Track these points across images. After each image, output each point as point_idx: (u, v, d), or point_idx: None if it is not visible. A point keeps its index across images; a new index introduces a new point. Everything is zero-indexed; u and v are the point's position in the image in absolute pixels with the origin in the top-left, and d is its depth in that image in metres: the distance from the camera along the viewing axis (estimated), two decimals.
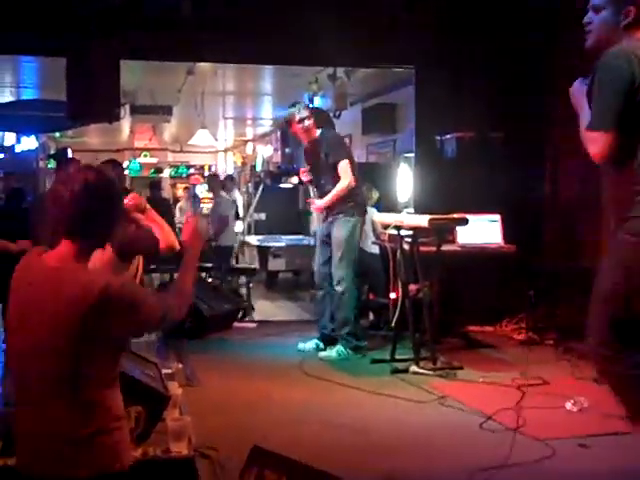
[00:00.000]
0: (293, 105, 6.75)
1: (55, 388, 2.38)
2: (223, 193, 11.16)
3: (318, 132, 6.60)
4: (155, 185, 13.92)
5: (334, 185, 6.40)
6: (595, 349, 3.35)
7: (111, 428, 2.40)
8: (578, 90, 3.18)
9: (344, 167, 6.38)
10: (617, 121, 2.95)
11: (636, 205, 3.03)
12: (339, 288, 6.36)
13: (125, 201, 3.33)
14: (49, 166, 16.64)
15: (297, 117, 6.54)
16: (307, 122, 6.52)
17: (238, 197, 13.02)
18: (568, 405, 4.66)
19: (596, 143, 2.99)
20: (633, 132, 2.98)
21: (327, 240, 6.53)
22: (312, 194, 7.05)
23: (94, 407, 2.39)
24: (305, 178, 6.89)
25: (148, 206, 3.79)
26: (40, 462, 2.39)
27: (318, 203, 6.58)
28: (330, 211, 6.48)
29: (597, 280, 3.30)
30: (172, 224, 13.67)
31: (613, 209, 3.20)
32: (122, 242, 3.76)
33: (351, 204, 6.42)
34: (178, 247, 4.24)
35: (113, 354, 2.48)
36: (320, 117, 7.19)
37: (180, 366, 5.33)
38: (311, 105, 9.74)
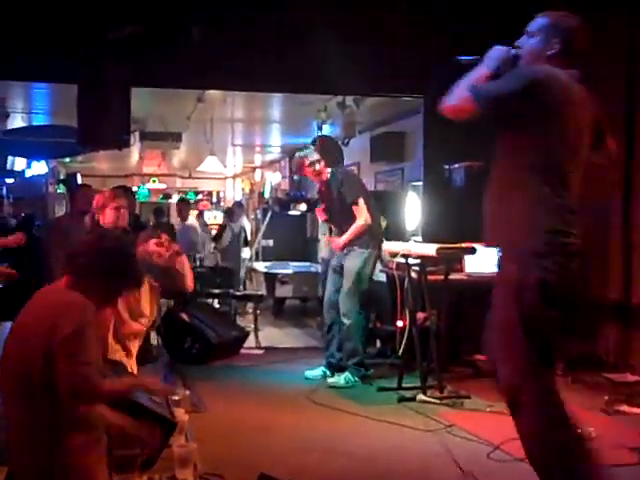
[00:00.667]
0: (302, 149, 6.81)
1: None
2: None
3: (328, 173, 6.65)
4: (159, 211, 14.02)
5: (351, 222, 6.44)
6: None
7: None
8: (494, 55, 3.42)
9: (360, 207, 6.44)
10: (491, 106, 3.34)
11: None
12: (345, 320, 6.37)
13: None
14: (58, 191, 16.73)
15: (307, 162, 6.60)
16: (317, 166, 6.59)
17: (246, 224, 13.05)
18: None
19: (463, 103, 3.37)
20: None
21: (339, 270, 6.56)
22: (328, 232, 7.08)
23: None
24: (321, 217, 6.96)
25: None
26: None
27: (338, 242, 6.57)
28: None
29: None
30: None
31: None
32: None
33: (366, 237, 6.44)
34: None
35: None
36: (329, 157, 7.23)
37: (187, 392, 5.33)
38: (321, 133, 9.82)
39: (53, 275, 5.80)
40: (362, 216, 6.43)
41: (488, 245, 3.59)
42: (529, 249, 3.14)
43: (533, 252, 3.12)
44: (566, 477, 3.08)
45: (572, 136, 3.23)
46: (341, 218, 6.61)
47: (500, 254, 3.36)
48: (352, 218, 6.45)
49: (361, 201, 6.46)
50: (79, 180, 14.99)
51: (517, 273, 3.15)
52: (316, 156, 6.65)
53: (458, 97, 3.35)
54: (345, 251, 6.51)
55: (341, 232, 6.60)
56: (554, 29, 3.35)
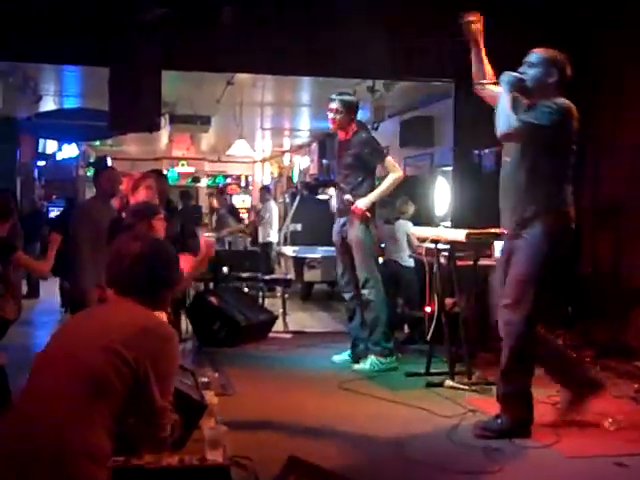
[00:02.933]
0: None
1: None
2: None
3: (353, 131, 6.54)
4: (186, 195, 14.10)
5: (352, 186, 6.38)
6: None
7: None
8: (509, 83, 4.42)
9: (390, 161, 6.46)
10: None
11: None
12: (365, 291, 6.34)
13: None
14: (88, 174, 16.86)
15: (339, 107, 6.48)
16: (346, 117, 6.46)
17: (274, 207, 13.06)
18: (606, 424, 4.61)
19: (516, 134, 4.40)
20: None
21: (342, 243, 6.52)
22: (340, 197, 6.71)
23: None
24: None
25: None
26: None
27: (360, 204, 6.35)
28: (346, 213, 6.46)
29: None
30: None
31: None
32: None
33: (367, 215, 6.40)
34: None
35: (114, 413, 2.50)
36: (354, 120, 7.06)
37: (216, 375, 5.37)
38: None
39: (80, 258, 5.86)
40: (397, 170, 6.47)
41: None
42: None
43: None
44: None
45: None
46: (345, 180, 6.51)
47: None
48: (356, 182, 6.38)
49: (389, 157, 6.46)
50: (109, 163, 15.13)
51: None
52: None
53: (508, 129, 4.38)
54: (342, 221, 6.48)
55: (342, 194, 6.50)
56: (552, 61, 4.46)
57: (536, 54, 4.50)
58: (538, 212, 4.40)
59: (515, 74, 4.42)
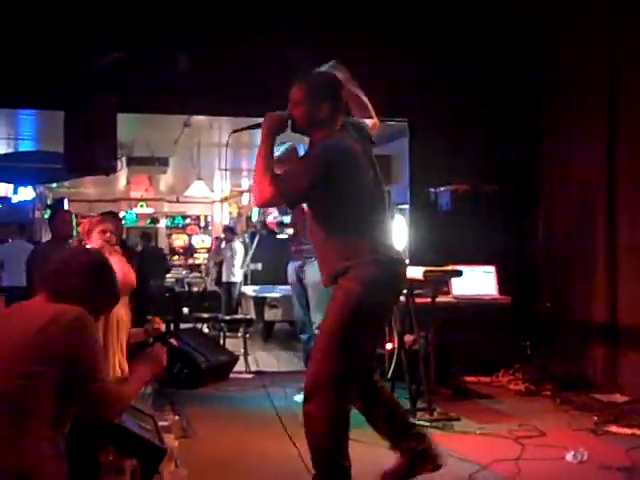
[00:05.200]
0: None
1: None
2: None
3: None
4: (146, 236, 14.04)
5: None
6: None
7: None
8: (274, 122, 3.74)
9: None
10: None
11: None
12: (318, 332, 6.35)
13: None
14: (45, 216, 16.69)
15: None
16: None
17: (238, 247, 13.03)
18: (569, 457, 4.63)
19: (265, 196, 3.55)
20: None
21: (299, 286, 6.53)
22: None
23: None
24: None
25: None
26: None
27: None
28: (302, 255, 6.47)
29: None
30: (167, 272, 13.74)
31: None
32: None
33: None
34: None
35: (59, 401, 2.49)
36: None
37: (176, 418, 5.32)
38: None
39: None
40: None
41: None
42: None
43: None
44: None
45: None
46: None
47: None
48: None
49: None
50: (66, 205, 15.02)
51: None
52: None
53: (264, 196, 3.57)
54: (300, 262, 6.49)
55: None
56: (318, 91, 3.69)
57: (298, 87, 3.85)
58: None
59: (279, 114, 3.83)
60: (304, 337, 6.62)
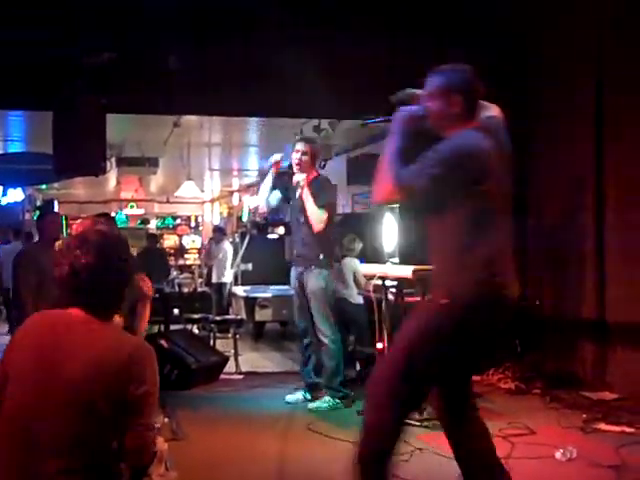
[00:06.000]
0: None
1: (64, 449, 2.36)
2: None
3: (315, 174, 6.62)
4: (152, 237, 14.07)
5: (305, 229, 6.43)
6: None
7: None
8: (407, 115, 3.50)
9: (323, 214, 6.37)
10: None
11: None
12: (325, 340, 6.36)
13: None
14: (34, 218, 16.66)
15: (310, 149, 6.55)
16: (312, 160, 6.55)
17: (228, 248, 13.03)
18: (558, 455, 4.65)
19: (385, 191, 3.49)
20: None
21: (301, 291, 6.53)
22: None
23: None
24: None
25: None
26: None
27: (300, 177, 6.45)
28: (303, 262, 6.49)
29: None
30: (168, 273, 13.75)
31: None
32: None
33: (322, 256, 6.43)
34: None
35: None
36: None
37: (166, 420, 5.31)
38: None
39: (23, 302, 5.79)
40: (318, 224, 6.36)
41: None
42: None
43: None
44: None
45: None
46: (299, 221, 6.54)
47: None
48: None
49: (326, 211, 6.39)
50: (56, 207, 14.99)
51: None
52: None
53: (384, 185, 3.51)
54: (301, 269, 6.49)
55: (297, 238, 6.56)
56: (451, 86, 3.39)
57: (433, 79, 3.51)
58: None
59: (414, 108, 3.60)
60: (305, 341, 6.65)
